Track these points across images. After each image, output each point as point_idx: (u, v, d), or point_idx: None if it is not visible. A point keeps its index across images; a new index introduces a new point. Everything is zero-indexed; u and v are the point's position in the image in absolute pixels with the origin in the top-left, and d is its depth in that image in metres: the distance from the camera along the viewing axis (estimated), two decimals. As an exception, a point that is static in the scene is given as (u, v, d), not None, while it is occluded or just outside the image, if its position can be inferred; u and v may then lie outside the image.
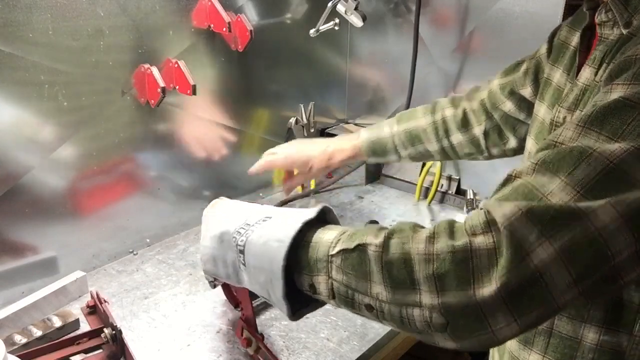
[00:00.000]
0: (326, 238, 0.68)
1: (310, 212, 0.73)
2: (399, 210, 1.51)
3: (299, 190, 1.59)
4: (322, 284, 0.68)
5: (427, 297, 0.56)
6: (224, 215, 0.83)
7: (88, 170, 1.14)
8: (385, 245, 0.61)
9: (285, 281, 0.68)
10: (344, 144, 1.20)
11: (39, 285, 1.06)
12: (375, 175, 1.71)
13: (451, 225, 0.59)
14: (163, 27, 1.19)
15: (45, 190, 1.07)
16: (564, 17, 1.25)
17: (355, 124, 1.76)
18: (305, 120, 1.57)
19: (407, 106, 1.53)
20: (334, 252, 0.66)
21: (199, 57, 1.28)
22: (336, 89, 1.74)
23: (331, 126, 1.74)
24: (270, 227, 0.75)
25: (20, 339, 0.92)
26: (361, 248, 0.63)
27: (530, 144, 0.86)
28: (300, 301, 0.71)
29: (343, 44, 1.69)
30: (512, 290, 0.52)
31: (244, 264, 0.76)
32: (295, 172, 1.25)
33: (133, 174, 1.24)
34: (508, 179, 0.60)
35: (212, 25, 1.26)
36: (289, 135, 1.58)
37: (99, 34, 1.08)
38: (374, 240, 0.62)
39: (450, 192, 1.54)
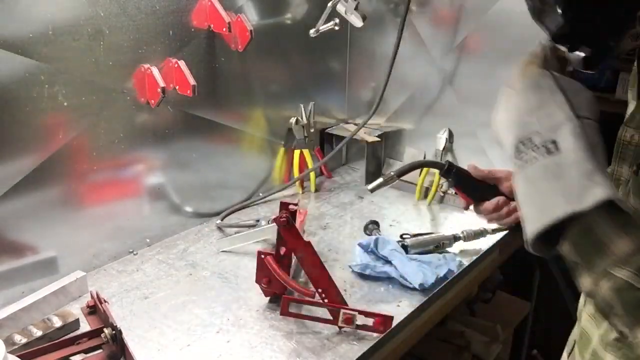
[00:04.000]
0: (621, 247, 0.59)
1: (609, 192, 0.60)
2: (399, 210, 1.51)
3: (298, 190, 1.60)
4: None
5: None
6: (522, 110, 0.71)
7: (88, 170, 1.14)
8: None
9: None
10: None
11: (39, 285, 1.06)
12: (375, 175, 1.70)
13: None
14: (163, 27, 1.19)
15: (45, 190, 1.07)
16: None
17: (355, 124, 1.76)
18: (305, 120, 1.57)
19: (378, 103, 1.54)
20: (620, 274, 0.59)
21: (199, 57, 1.28)
22: (336, 89, 1.74)
23: (331, 126, 1.74)
24: (553, 175, 0.63)
25: (20, 339, 0.92)
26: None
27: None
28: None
29: (343, 44, 1.69)
30: None
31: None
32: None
33: (133, 174, 1.24)
34: None
35: (212, 25, 1.26)
36: (288, 136, 1.58)
37: (99, 34, 1.08)
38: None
39: (450, 192, 1.53)
